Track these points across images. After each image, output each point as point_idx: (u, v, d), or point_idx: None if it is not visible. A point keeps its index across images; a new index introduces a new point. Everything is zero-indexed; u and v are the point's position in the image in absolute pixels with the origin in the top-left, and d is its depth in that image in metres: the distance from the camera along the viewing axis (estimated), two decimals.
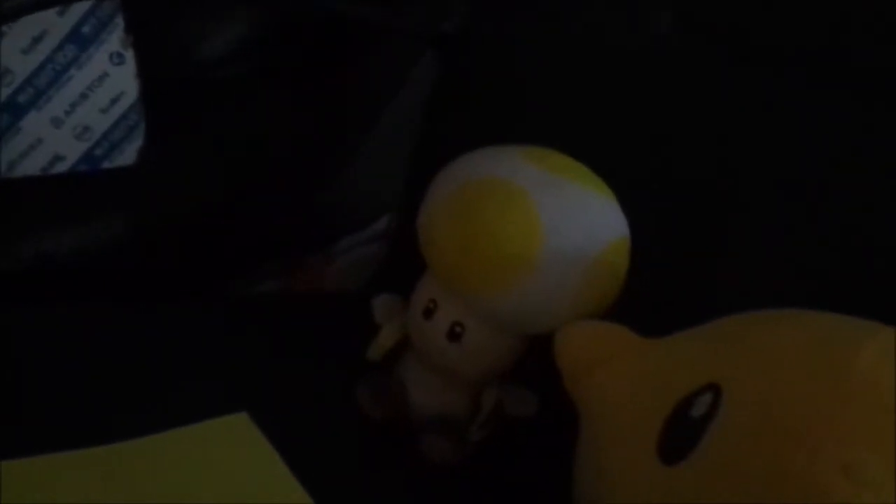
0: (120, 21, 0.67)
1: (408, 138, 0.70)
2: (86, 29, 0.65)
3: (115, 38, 0.66)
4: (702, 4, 0.57)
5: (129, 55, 0.67)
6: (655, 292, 0.46)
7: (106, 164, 0.69)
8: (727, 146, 0.52)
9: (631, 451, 0.34)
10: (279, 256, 0.81)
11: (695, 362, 0.35)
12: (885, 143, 0.48)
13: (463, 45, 0.67)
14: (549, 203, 0.44)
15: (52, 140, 0.67)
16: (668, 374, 0.36)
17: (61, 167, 0.68)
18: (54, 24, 0.65)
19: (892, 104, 0.48)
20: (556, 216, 0.43)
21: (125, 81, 0.68)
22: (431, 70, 0.72)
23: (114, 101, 0.67)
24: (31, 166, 0.67)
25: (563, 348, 0.42)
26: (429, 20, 0.73)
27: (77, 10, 0.65)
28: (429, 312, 0.48)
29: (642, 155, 0.54)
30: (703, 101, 0.54)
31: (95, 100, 0.67)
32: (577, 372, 0.41)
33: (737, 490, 0.30)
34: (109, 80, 0.67)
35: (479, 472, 0.49)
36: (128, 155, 0.69)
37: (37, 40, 0.64)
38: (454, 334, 0.47)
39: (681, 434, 0.32)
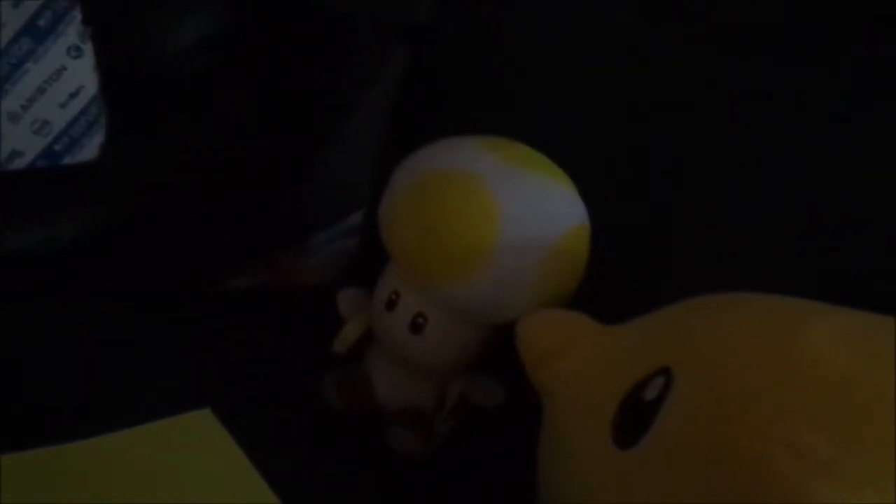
0: (77, 14, 0.66)
1: (381, 133, 0.69)
2: (42, 22, 0.64)
3: (72, 31, 0.65)
4: (669, 2, 0.57)
5: (88, 48, 0.66)
6: (616, 280, 0.46)
7: (67, 160, 0.68)
8: (690, 133, 0.53)
9: (587, 436, 0.35)
10: (252, 251, 0.80)
11: (648, 347, 0.35)
12: (859, 130, 0.49)
13: (430, 37, 0.67)
14: (508, 192, 0.44)
15: (10, 135, 0.66)
16: (623, 359, 0.36)
17: (20, 163, 0.66)
18: (9, 17, 0.63)
19: (871, 89, 0.49)
20: (515, 205, 0.43)
21: (84, 75, 0.67)
22: (404, 64, 0.72)
23: (73, 96, 0.66)
24: None
25: (524, 337, 0.42)
26: (398, 10, 0.73)
27: (32, 3, 0.64)
28: (391, 304, 0.47)
29: (606, 145, 0.55)
30: (668, 88, 0.54)
31: (53, 94, 0.65)
32: (538, 360, 0.41)
33: (688, 471, 0.30)
34: (67, 73, 0.66)
35: (446, 463, 0.49)
36: (88, 150, 0.68)
37: None
38: (416, 326, 0.47)
39: (634, 418, 0.32)
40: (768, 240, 0.48)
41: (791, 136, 0.50)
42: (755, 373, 0.30)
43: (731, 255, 0.48)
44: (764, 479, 0.28)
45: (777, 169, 0.49)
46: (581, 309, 0.43)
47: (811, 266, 0.46)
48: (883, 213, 0.47)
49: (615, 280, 0.46)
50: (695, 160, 0.52)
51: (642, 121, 0.54)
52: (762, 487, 0.28)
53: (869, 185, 0.48)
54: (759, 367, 0.31)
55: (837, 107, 0.49)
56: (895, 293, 0.40)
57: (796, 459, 0.28)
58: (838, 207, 0.48)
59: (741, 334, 0.32)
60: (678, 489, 0.30)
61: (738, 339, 0.32)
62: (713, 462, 0.29)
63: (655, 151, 0.53)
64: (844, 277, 0.45)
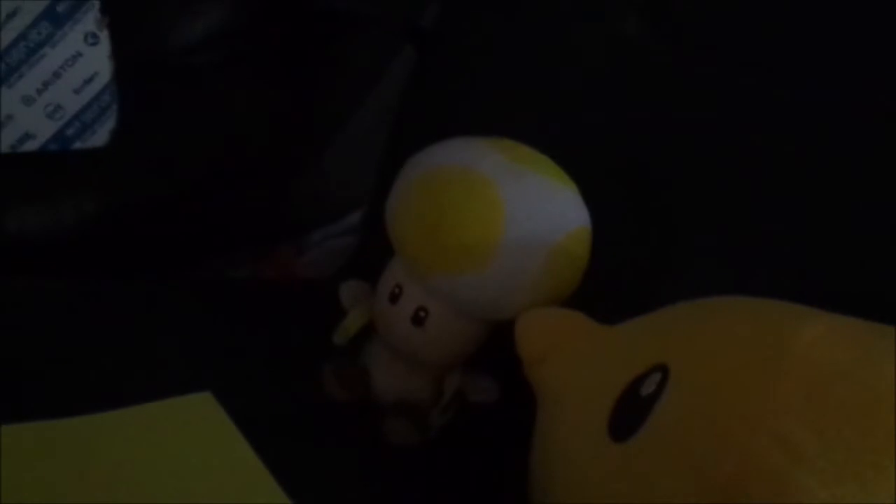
0: (95, 2, 0.67)
1: (383, 134, 0.70)
2: (60, 7, 0.65)
3: (90, 18, 0.66)
4: (667, 7, 0.58)
5: (104, 36, 0.67)
6: (615, 282, 0.47)
7: (77, 145, 0.69)
8: (688, 141, 0.54)
9: (583, 430, 0.35)
10: (251, 244, 0.81)
11: (645, 345, 0.36)
12: (855, 137, 0.49)
13: (437, 39, 0.68)
14: (512, 191, 0.44)
15: (23, 118, 0.66)
16: (621, 356, 0.37)
17: (31, 146, 0.67)
18: (29, 2, 0.64)
19: (868, 105, 0.50)
20: (519, 204, 0.44)
21: (99, 62, 0.67)
22: (410, 64, 0.73)
23: (87, 82, 0.67)
24: None
25: (522, 335, 0.43)
26: (404, 13, 0.73)
27: None
28: (394, 297, 0.48)
29: (607, 149, 0.55)
30: (667, 95, 0.55)
31: (68, 79, 0.66)
32: (536, 357, 0.42)
33: (679, 463, 0.31)
34: (83, 60, 0.67)
35: (440, 455, 0.49)
36: (99, 136, 0.69)
37: (10, 16, 0.64)
38: (418, 319, 0.47)
39: (630, 412, 0.33)
40: (765, 245, 0.49)
41: (787, 142, 0.51)
42: (748, 371, 0.31)
43: (728, 260, 0.49)
44: (752, 473, 0.29)
45: (773, 175, 0.50)
46: (580, 309, 0.44)
47: (807, 272, 0.47)
48: (880, 220, 0.48)
49: (614, 282, 0.47)
50: (692, 166, 0.53)
51: (641, 126, 0.55)
52: (750, 480, 0.29)
53: (865, 191, 0.49)
54: (752, 365, 0.32)
55: (832, 115, 0.50)
56: (892, 302, 0.40)
57: (784, 454, 0.29)
58: (834, 213, 0.49)
59: (736, 334, 0.33)
60: (670, 480, 0.31)
61: (732, 338, 0.33)
62: (704, 456, 0.30)
63: (654, 156, 0.54)
64: (839, 281, 0.46)
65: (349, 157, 0.80)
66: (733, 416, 0.30)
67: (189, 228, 0.75)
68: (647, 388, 0.33)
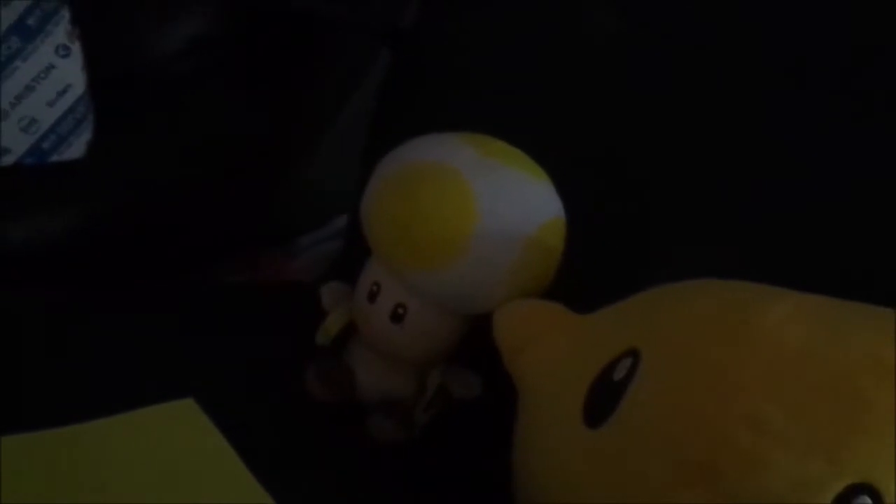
0: (66, 13, 0.66)
1: (367, 135, 0.70)
2: (30, 21, 0.65)
3: (60, 31, 0.66)
4: (644, 3, 0.58)
5: (76, 48, 0.67)
6: (590, 272, 0.48)
7: (54, 158, 0.68)
8: (664, 133, 0.54)
9: (559, 417, 0.36)
10: (238, 251, 0.81)
11: (617, 330, 0.37)
12: (829, 132, 0.50)
13: (413, 41, 0.68)
14: (485, 184, 0.45)
15: None
16: (594, 343, 0.37)
17: (7, 160, 0.67)
18: None
19: (846, 102, 0.50)
20: (491, 197, 0.45)
21: (72, 74, 0.67)
22: (387, 68, 0.73)
23: (60, 94, 0.67)
24: None
25: (500, 327, 0.43)
26: (383, 16, 0.74)
27: (21, 2, 0.65)
28: (372, 295, 0.48)
29: (582, 143, 0.56)
30: (643, 88, 0.56)
31: (42, 92, 0.66)
32: (514, 349, 0.42)
33: (651, 445, 0.31)
34: (56, 72, 0.66)
35: (426, 452, 0.50)
36: (76, 148, 0.69)
37: None
38: (397, 316, 0.47)
39: (603, 397, 0.34)
40: (741, 234, 0.49)
41: (763, 134, 0.51)
42: (717, 351, 0.32)
43: (704, 250, 0.49)
44: (723, 451, 0.29)
45: (749, 166, 0.51)
46: (558, 300, 0.44)
47: (782, 258, 0.47)
48: (854, 209, 0.48)
49: (589, 272, 0.48)
50: (668, 158, 0.53)
51: (617, 119, 0.55)
52: (721, 458, 0.29)
53: (840, 181, 0.49)
54: (721, 345, 0.32)
55: (810, 110, 0.51)
56: (860, 288, 0.41)
57: (753, 431, 0.29)
58: (809, 202, 0.49)
59: (704, 315, 0.34)
60: (642, 463, 0.31)
61: (701, 319, 0.33)
62: (675, 436, 0.31)
63: (629, 149, 0.55)
64: (814, 266, 0.46)
65: (335, 161, 0.80)
66: (703, 396, 0.31)
67: (171, 236, 0.75)
68: (619, 373, 0.33)
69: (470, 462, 0.49)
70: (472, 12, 0.65)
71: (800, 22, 0.53)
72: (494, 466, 0.43)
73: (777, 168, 0.50)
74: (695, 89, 0.54)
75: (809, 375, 0.30)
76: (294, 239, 0.87)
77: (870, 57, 0.50)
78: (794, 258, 0.47)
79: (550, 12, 0.61)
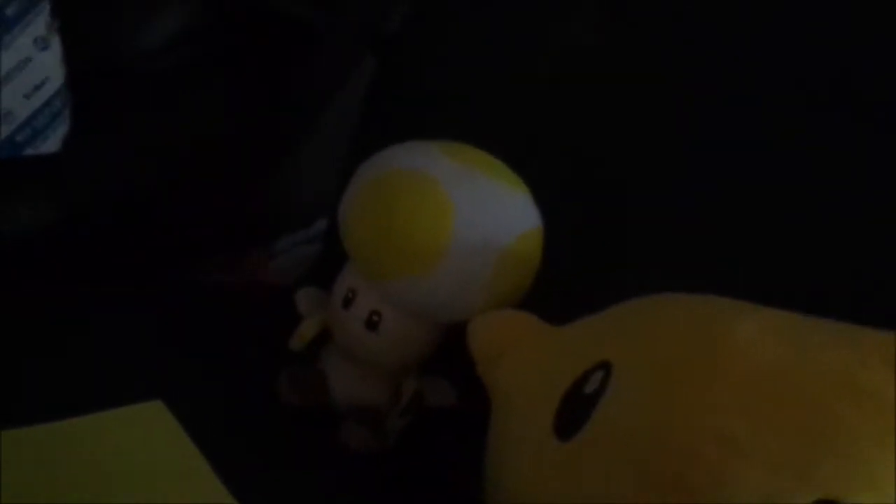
0: (46, 5, 0.66)
1: (350, 141, 0.70)
2: (9, 11, 0.64)
3: (40, 23, 0.65)
4: (624, 10, 0.58)
5: (55, 41, 0.66)
6: (567, 283, 0.48)
7: (29, 151, 0.68)
8: (641, 144, 0.54)
9: (531, 429, 0.36)
10: (216, 251, 0.80)
11: (590, 343, 0.37)
12: (809, 136, 0.50)
13: (397, 47, 0.68)
14: (462, 194, 0.45)
15: None
16: (567, 355, 0.37)
17: None
18: None
19: (826, 106, 0.50)
20: (469, 206, 0.45)
21: (50, 67, 0.67)
22: (372, 73, 0.73)
23: (37, 87, 0.66)
24: None
25: (475, 336, 0.43)
26: (364, 23, 0.74)
27: None
28: (348, 302, 0.48)
29: (562, 153, 0.56)
30: (622, 95, 0.56)
31: (18, 84, 0.65)
32: (488, 359, 0.42)
33: (621, 459, 0.31)
34: (33, 64, 0.66)
35: (399, 460, 0.49)
36: (52, 142, 0.68)
37: None
38: (372, 323, 0.47)
39: (574, 410, 0.34)
40: (717, 246, 0.49)
41: (741, 140, 0.52)
42: (687, 367, 0.32)
43: (680, 261, 0.49)
44: (691, 467, 0.29)
45: (726, 175, 0.51)
46: (534, 311, 0.44)
47: (758, 270, 0.47)
48: (835, 217, 0.49)
49: (567, 283, 0.48)
50: (645, 169, 0.54)
51: (598, 131, 0.56)
52: (690, 473, 0.29)
53: (819, 188, 0.49)
54: (691, 361, 0.32)
55: (789, 115, 0.51)
56: (837, 299, 0.41)
57: (721, 447, 0.29)
58: (788, 211, 0.49)
59: (675, 331, 0.34)
60: (613, 476, 0.31)
61: (672, 335, 0.34)
62: (645, 450, 0.31)
63: (607, 160, 0.55)
64: (787, 277, 0.46)
65: (317, 164, 0.80)
66: (673, 411, 0.31)
67: (154, 235, 0.74)
68: (591, 386, 0.34)
69: (443, 470, 0.49)
70: (455, 22, 0.65)
71: (793, 26, 0.53)
72: (467, 474, 0.43)
73: (761, 179, 0.50)
74: (675, 98, 0.54)
75: (779, 392, 0.30)
76: (274, 241, 0.86)
77: (858, 62, 0.51)
78: (773, 266, 0.47)
79: (531, 24, 0.61)
